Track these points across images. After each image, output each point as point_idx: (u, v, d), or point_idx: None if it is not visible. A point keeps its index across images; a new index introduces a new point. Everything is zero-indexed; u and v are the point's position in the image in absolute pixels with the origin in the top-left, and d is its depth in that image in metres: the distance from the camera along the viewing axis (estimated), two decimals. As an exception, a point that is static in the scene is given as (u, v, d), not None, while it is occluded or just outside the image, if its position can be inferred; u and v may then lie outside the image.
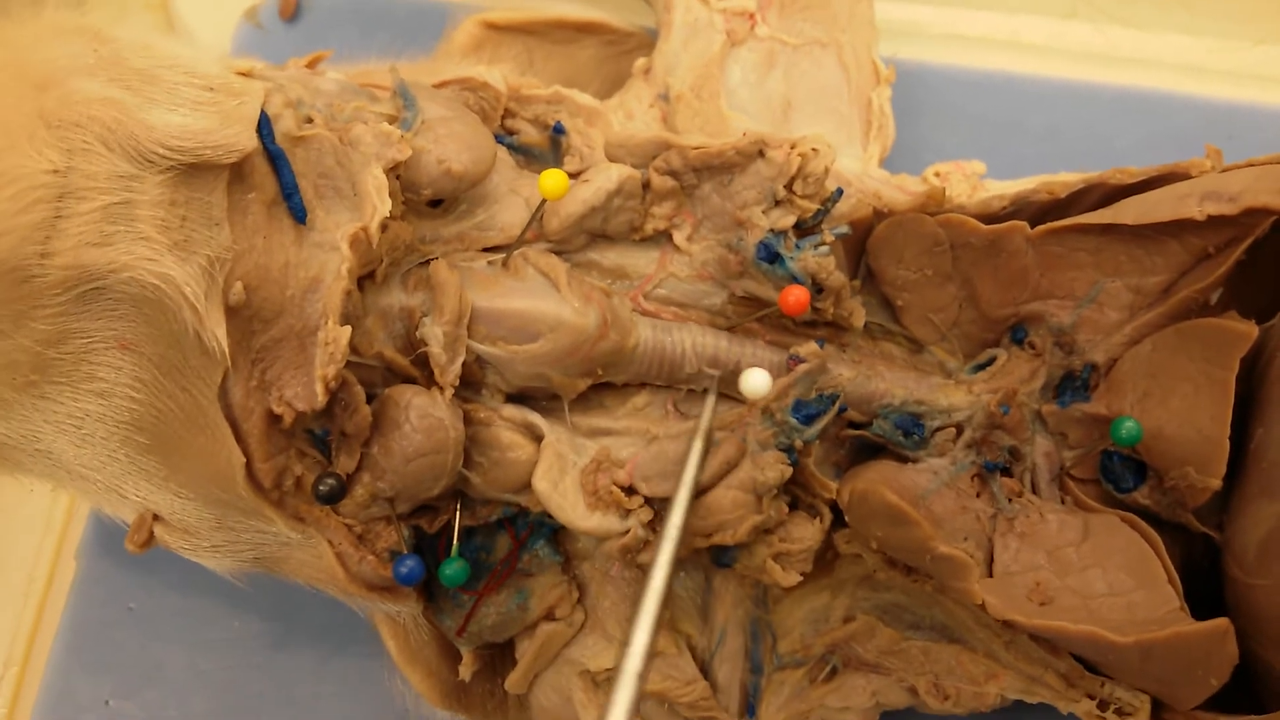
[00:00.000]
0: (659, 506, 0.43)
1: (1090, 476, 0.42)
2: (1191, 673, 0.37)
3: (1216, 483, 0.38)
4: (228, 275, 0.37)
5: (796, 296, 0.40)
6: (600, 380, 0.43)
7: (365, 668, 0.53)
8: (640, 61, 0.53)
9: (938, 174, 0.51)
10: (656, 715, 0.44)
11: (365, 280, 0.41)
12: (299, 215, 0.39)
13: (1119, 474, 0.41)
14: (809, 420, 0.41)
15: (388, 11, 0.65)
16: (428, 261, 0.42)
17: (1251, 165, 0.42)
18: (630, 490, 0.42)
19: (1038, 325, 0.43)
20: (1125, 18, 0.65)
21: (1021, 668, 0.41)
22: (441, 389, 0.40)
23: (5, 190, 0.32)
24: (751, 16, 0.52)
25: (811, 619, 0.45)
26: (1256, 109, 0.60)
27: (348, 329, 0.38)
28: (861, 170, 0.49)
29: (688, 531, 0.42)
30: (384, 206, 0.39)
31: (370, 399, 0.40)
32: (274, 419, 0.39)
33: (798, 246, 0.42)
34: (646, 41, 0.58)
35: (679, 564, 0.45)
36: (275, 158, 0.39)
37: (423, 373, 0.41)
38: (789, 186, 0.42)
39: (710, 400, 0.42)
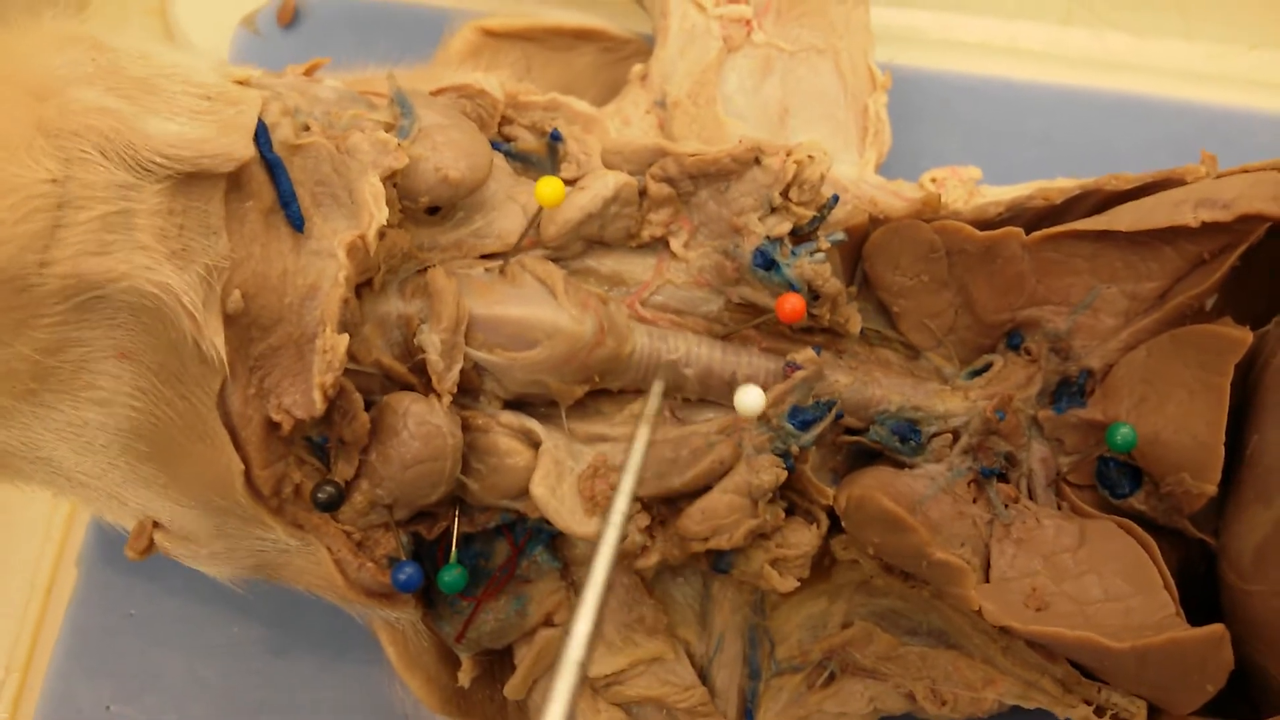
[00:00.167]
0: (656, 512, 0.43)
1: (1086, 482, 0.42)
2: (1188, 679, 0.37)
3: (1212, 488, 0.38)
4: (226, 283, 0.37)
5: (792, 304, 0.40)
6: (597, 387, 0.43)
7: (364, 674, 0.53)
8: (637, 68, 0.53)
9: (934, 180, 0.51)
10: (655, 721, 0.44)
11: (363, 288, 0.41)
12: (296, 223, 0.39)
13: (1115, 480, 0.41)
14: (805, 426, 0.41)
15: (385, 18, 0.66)
16: (425, 269, 0.42)
17: (1245, 171, 0.42)
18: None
19: (1034, 331, 0.44)
20: (1121, 23, 0.65)
21: (1018, 673, 0.41)
22: (439, 396, 0.40)
23: (4, 199, 0.32)
24: (748, 23, 0.52)
25: (809, 625, 0.45)
26: (1251, 114, 0.60)
27: (345, 336, 0.38)
28: (858, 176, 0.49)
29: (684, 536, 0.42)
30: (381, 214, 0.39)
31: (368, 406, 0.40)
32: (272, 426, 0.39)
33: (794, 253, 0.42)
34: (643, 48, 0.58)
35: (677, 570, 0.45)
36: (273, 166, 0.39)
37: (420, 380, 0.41)
38: (785, 193, 0.42)
39: (656, 389, 0.42)
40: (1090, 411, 0.42)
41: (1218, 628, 0.36)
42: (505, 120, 0.47)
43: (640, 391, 0.44)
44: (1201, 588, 0.41)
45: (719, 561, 0.43)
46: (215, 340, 0.36)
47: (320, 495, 0.39)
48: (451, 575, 0.42)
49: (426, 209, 0.42)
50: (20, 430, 0.37)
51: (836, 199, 0.43)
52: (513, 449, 0.42)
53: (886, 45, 0.59)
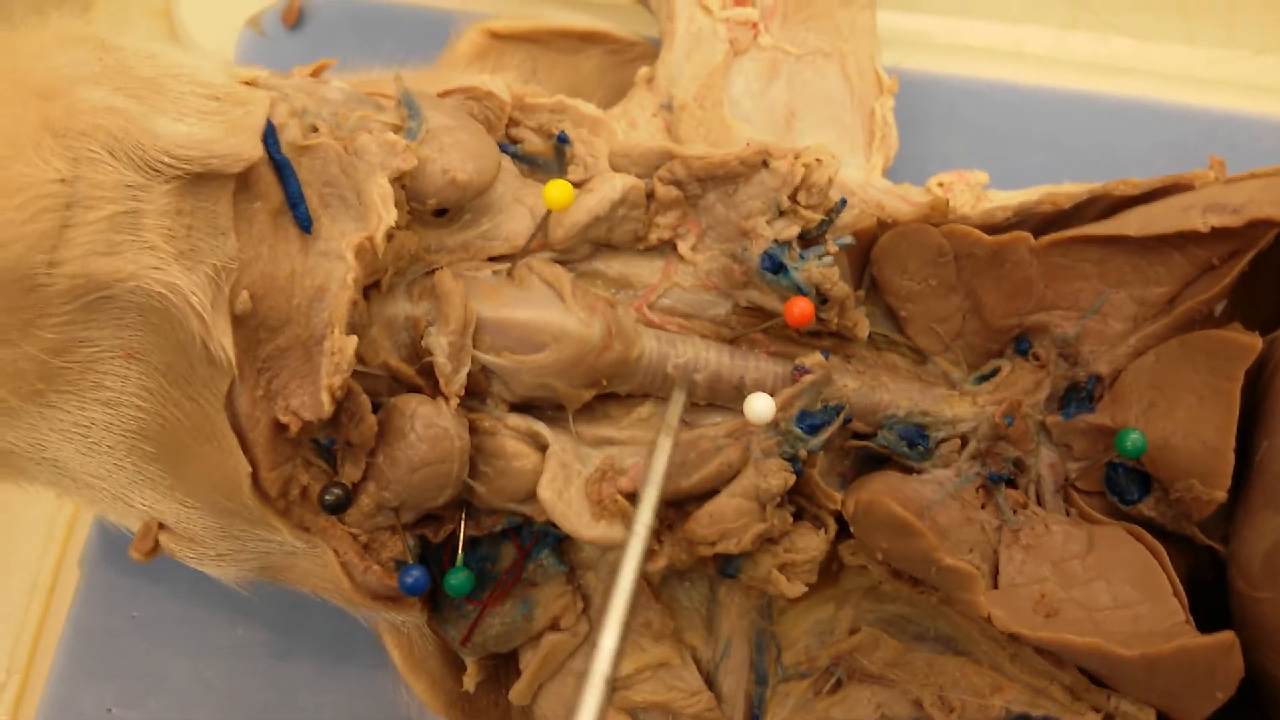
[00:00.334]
0: (664, 515, 0.43)
1: (1095, 488, 0.42)
2: (1197, 687, 0.37)
3: (1222, 495, 0.38)
4: (234, 284, 0.37)
5: (801, 308, 0.40)
6: (605, 391, 0.43)
7: (369, 677, 0.52)
8: (643, 71, 0.53)
9: (941, 184, 0.50)
10: (661, 726, 0.44)
11: (371, 290, 0.41)
12: (304, 224, 0.39)
13: (1124, 486, 0.41)
14: (814, 430, 0.41)
15: (391, 19, 0.66)
16: (433, 271, 0.42)
17: (1255, 176, 0.42)
18: (634, 498, 0.42)
19: (1042, 336, 0.43)
20: (1124, 27, 0.65)
21: (1027, 680, 0.41)
22: (447, 399, 0.40)
23: (12, 199, 0.32)
24: (755, 26, 0.52)
25: (816, 630, 0.45)
26: (1256, 119, 0.60)
27: (354, 338, 0.38)
28: (865, 180, 0.49)
29: (691, 540, 0.42)
30: (389, 216, 0.39)
31: (376, 408, 0.40)
32: (280, 428, 0.39)
33: (802, 257, 0.42)
34: (649, 51, 0.58)
35: (684, 574, 0.45)
36: (281, 167, 0.39)
37: (428, 382, 0.41)
38: (793, 197, 0.42)
39: (677, 397, 0.42)
40: (1099, 417, 0.42)
41: (1228, 635, 0.36)
42: (512, 122, 0.47)
43: (648, 395, 0.44)
44: (1210, 594, 0.41)
45: (726, 566, 0.43)
46: (223, 341, 0.36)
47: (328, 497, 0.39)
48: (458, 579, 0.42)
49: (434, 211, 0.42)
50: (27, 430, 0.36)
51: (844, 203, 0.43)
52: (520, 452, 0.42)
53: (892, 49, 0.59)
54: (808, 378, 0.41)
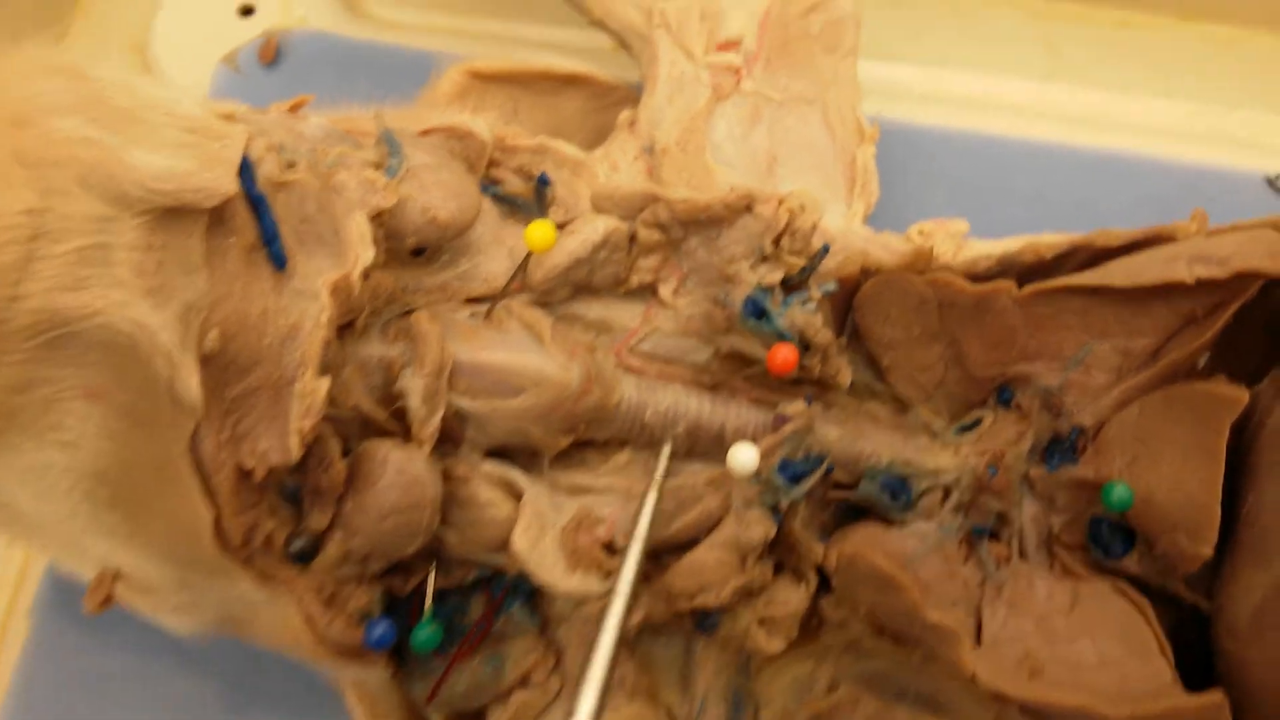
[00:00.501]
0: (640, 567, 0.41)
1: (1078, 542, 0.41)
2: (1186, 747, 0.36)
3: (1208, 551, 0.37)
4: (203, 322, 0.35)
5: (785, 355, 0.40)
6: (582, 437, 0.42)
7: (329, 733, 0.51)
8: (625, 114, 0.52)
9: (922, 232, 0.50)
10: (635, 785, 0.43)
11: (344, 330, 0.39)
12: (279, 262, 0.38)
13: (1108, 540, 0.40)
14: (795, 480, 0.41)
15: (369, 59, 0.65)
16: (409, 312, 0.41)
17: (1237, 229, 0.42)
18: (611, 549, 0.41)
19: (1024, 387, 0.43)
20: (1100, 80, 0.65)
21: (1011, 739, 0.40)
22: (419, 444, 0.39)
23: None
24: (738, 71, 0.52)
25: (795, 688, 0.44)
26: (1234, 174, 0.61)
27: (326, 380, 0.36)
28: (846, 228, 0.49)
29: (670, 593, 0.41)
30: (367, 254, 0.38)
31: (346, 453, 0.38)
32: (245, 473, 0.37)
33: (785, 303, 0.41)
34: (631, 95, 0.58)
35: (659, 629, 0.44)
36: (256, 202, 0.38)
37: (400, 427, 0.40)
38: (776, 242, 0.42)
39: (665, 452, 0.41)
40: (1083, 470, 0.41)
41: (1217, 695, 0.35)
42: (493, 163, 0.46)
43: (626, 443, 0.43)
44: (1192, 651, 0.41)
45: (704, 621, 0.42)
46: (190, 382, 0.35)
47: (293, 547, 0.38)
48: (425, 633, 0.40)
49: (412, 250, 0.41)
50: (-22, 473, 0.35)
51: (827, 249, 0.43)
52: (493, 500, 0.40)
53: (872, 98, 0.59)
54: (789, 426, 0.41)
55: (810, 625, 0.43)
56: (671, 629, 0.44)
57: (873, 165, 0.52)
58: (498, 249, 0.43)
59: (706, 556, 0.40)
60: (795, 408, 0.41)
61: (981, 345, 0.43)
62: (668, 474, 0.43)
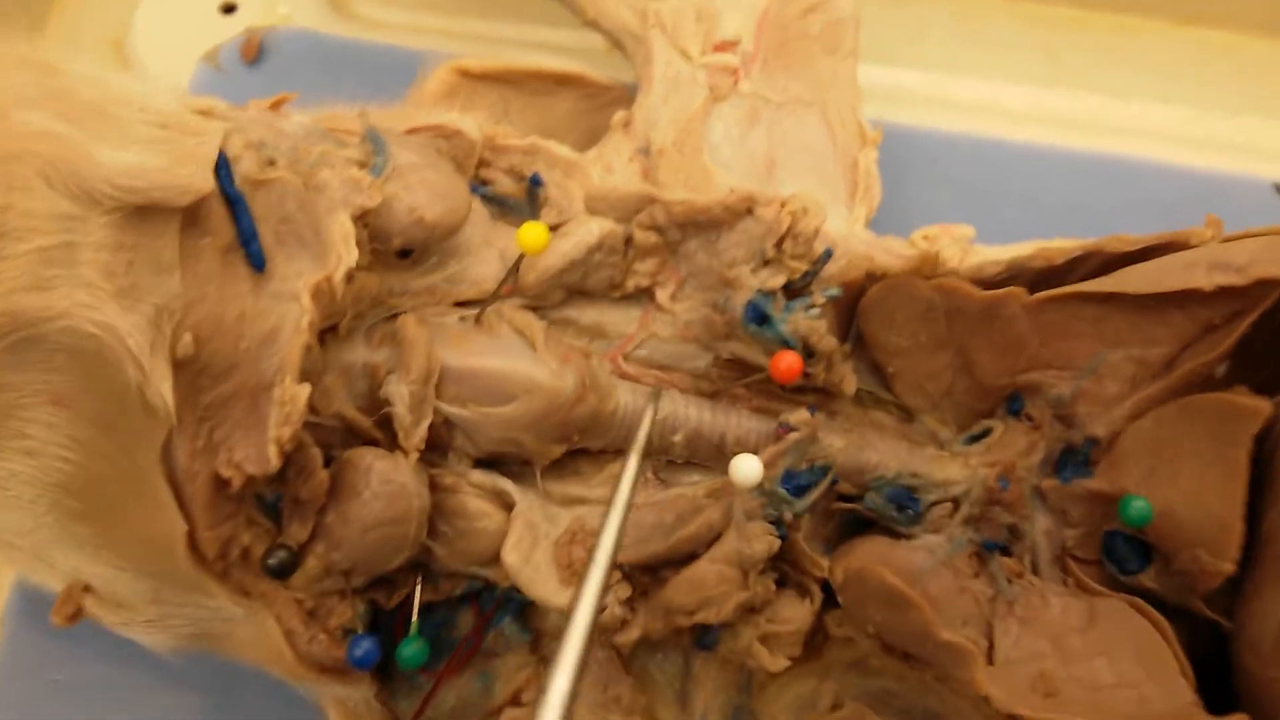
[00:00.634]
0: (638, 582, 0.40)
1: (1093, 557, 0.40)
2: (1209, 771, 0.34)
3: (1231, 567, 0.36)
4: (176, 326, 0.34)
5: (789, 362, 0.38)
6: (576, 446, 0.40)
7: (310, 753, 0.49)
8: (619, 115, 0.51)
9: (926, 237, 0.49)
10: (630, 810, 0.41)
11: (327, 334, 0.38)
12: (257, 263, 0.36)
13: (1124, 555, 0.39)
14: (799, 492, 0.39)
15: (355, 57, 0.63)
16: (395, 316, 0.39)
17: (1252, 235, 0.40)
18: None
19: (1035, 396, 0.42)
20: (1100, 85, 0.65)
21: (1024, 763, 0.39)
22: (405, 453, 0.37)
23: None
24: (735, 72, 0.51)
25: (797, 706, 0.42)
26: (1233, 179, 0.60)
27: (306, 386, 0.35)
28: (847, 232, 0.48)
29: (668, 609, 0.39)
30: (350, 256, 0.36)
31: (327, 462, 0.37)
32: (221, 483, 0.35)
33: (787, 308, 0.40)
34: (624, 96, 0.56)
35: (657, 646, 0.42)
36: (233, 201, 0.36)
37: (385, 435, 0.38)
38: (778, 245, 0.40)
39: (649, 414, 0.39)
40: (1097, 482, 0.40)
41: (1241, 718, 0.34)
42: (482, 163, 0.44)
43: (622, 452, 0.41)
44: (1208, 669, 0.39)
45: (703, 637, 0.40)
46: (162, 388, 0.33)
47: (272, 561, 0.36)
48: (411, 649, 0.38)
49: (398, 252, 0.39)
50: (-63, 483, 0.33)
51: (830, 253, 0.41)
52: (483, 511, 0.39)
53: (874, 102, 0.58)
54: (793, 435, 0.39)
55: (814, 641, 0.42)
56: (669, 646, 0.43)
57: (875, 169, 0.50)
58: (488, 251, 0.41)
59: (707, 571, 0.38)
60: (799, 417, 0.40)
61: (991, 353, 0.41)
62: (665, 483, 0.41)
